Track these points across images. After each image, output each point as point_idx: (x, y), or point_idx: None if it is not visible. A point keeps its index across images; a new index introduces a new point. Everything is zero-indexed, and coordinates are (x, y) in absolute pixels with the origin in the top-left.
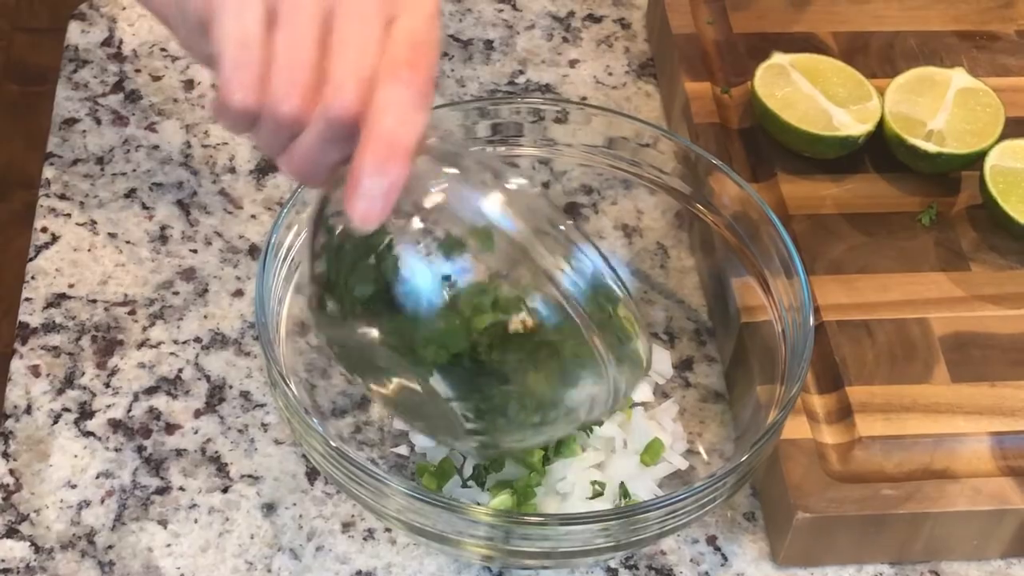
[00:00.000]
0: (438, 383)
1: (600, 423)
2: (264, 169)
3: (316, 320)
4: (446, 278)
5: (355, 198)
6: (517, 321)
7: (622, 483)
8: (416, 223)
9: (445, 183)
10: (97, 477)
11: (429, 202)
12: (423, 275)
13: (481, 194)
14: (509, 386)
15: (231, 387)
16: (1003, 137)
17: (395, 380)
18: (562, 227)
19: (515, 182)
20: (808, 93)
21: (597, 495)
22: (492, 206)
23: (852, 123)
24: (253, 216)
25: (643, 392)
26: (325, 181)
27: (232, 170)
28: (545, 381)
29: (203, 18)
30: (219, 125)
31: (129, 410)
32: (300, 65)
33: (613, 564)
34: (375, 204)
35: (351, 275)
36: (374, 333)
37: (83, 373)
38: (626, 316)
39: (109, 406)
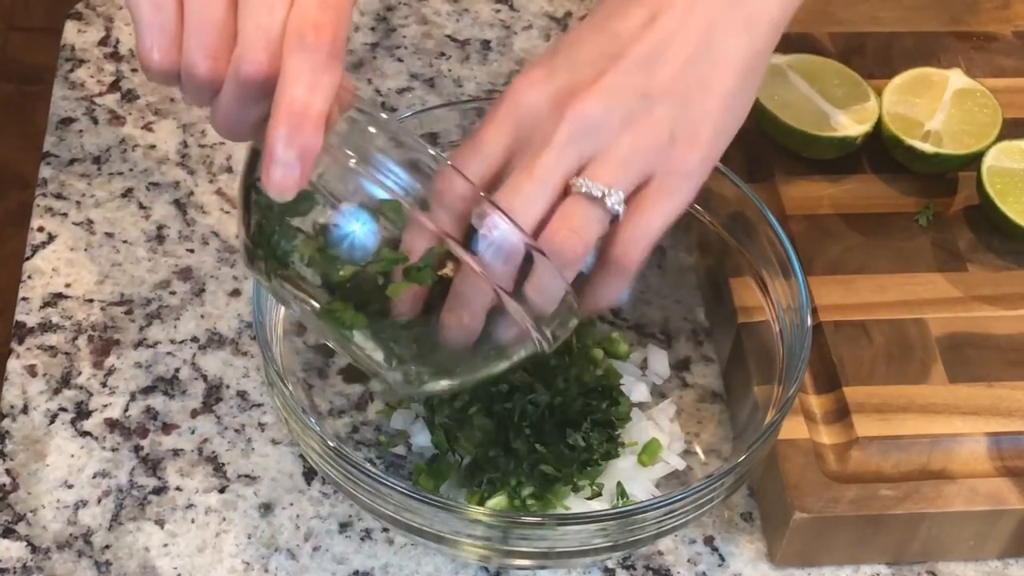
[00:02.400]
0: (359, 336)
1: (544, 351)
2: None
3: (250, 270)
4: (360, 238)
5: (270, 167)
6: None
7: (619, 483)
8: (336, 184)
9: (363, 144)
10: (94, 477)
11: (349, 164)
12: (343, 234)
13: (396, 155)
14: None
15: (228, 387)
16: (1000, 138)
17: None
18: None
19: (432, 151)
20: (805, 94)
21: (595, 495)
22: (404, 169)
23: (849, 124)
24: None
25: (640, 392)
26: (252, 136)
27: (229, 169)
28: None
29: None
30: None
31: (126, 410)
32: (209, 26)
33: (610, 564)
34: (290, 173)
35: (277, 234)
36: (297, 291)
37: (80, 373)
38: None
39: (106, 406)
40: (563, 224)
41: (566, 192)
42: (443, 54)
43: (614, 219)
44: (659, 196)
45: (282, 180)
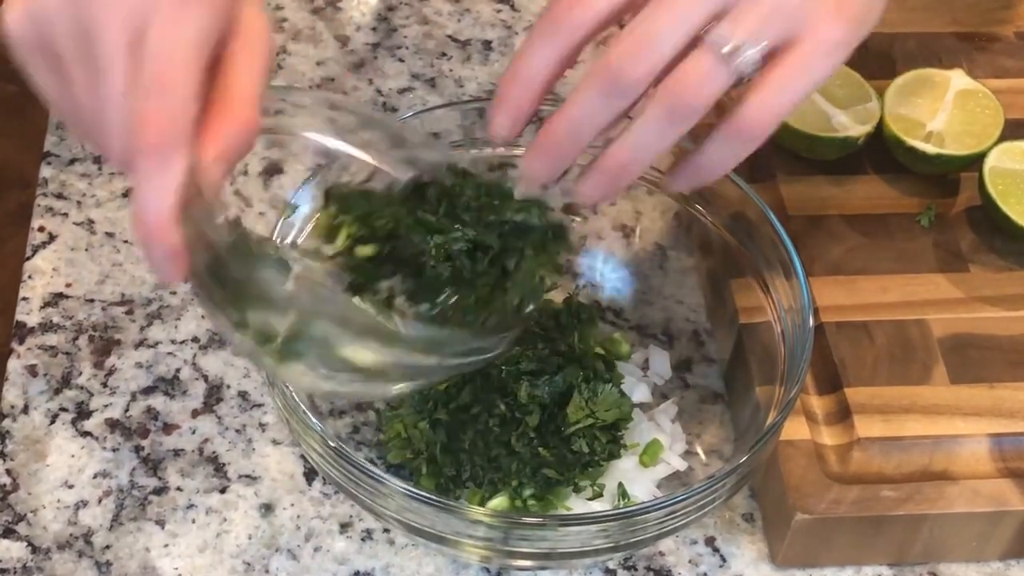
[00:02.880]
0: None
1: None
2: (248, 171)
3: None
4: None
5: (153, 269)
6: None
7: (621, 484)
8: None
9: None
10: (94, 477)
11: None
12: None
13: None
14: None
15: (229, 387)
16: (1002, 139)
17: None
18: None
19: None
20: None
21: (596, 496)
22: None
23: (851, 124)
24: (244, 216)
25: (642, 393)
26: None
27: None
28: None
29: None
30: None
31: (127, 410)
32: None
33: (612, 565)
34: (166, 273)
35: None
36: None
37: (80, 373)
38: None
39: (106, 406)
40: (685, 73)
41: (694, 42)
42: (444, 54)
43: (738, 82)
44: (797, 66)
45: (164, 277)
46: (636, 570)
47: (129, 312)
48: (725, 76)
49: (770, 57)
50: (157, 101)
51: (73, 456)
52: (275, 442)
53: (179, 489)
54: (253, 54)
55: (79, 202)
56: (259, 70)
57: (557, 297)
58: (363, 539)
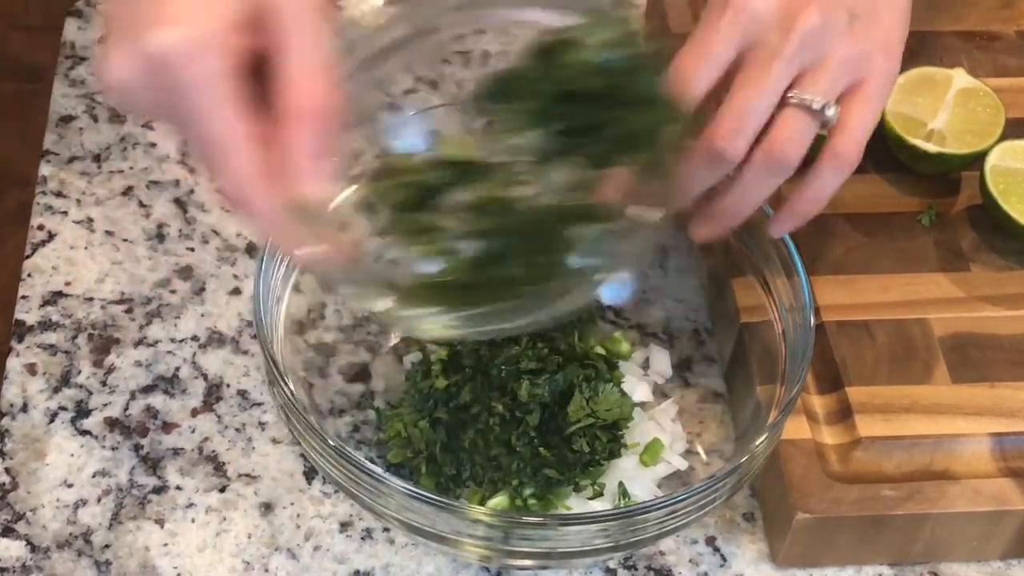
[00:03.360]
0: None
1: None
2: None
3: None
4: None
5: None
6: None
7: (621, 483)
8: None
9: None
10: (94, 476)
11: None
12: None
13: None
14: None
15: (228, 386)
16: (1003, 137)
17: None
18: None
19: None
20: None
21: (596, 495)
22: None
23: None
24: None
25: (642, 392)
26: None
27: None
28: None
29: None
30: None
31: (126, 409)
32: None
33: (612, 564)
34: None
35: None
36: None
37: (80, 371)
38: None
39: (106, 405)
40: (782, 133)
41: (782, 103)
42: (446, 60)
43: (823, 125)
44: (869, 98)
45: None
46: (636, 570)
47: (129, 311)
48: (815, 128)
49: (843, 98)
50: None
51: (72, 455)
52: (275, 441)
53: (179, 488)
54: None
55: (79, 200)
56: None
57: None
58: (363, 538)
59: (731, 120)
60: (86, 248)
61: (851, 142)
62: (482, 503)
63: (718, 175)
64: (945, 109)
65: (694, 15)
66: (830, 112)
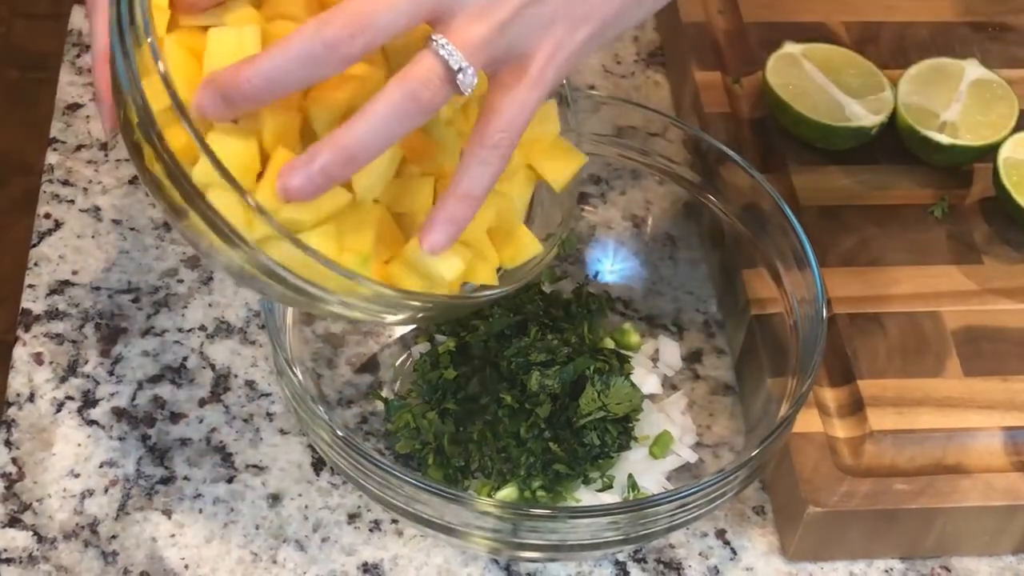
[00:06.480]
0: None
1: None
2: None
3: None
4: None
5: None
6: None
7: (631, 476)
8: None
9: None
10: (101, 466)
11: None
12: None
13: None
14: None
15: (236, 376)
16: (1017, 129)
17: None
18: None
19: None
20: (820, 84)
21: (606, 487)
22: None
23: (865, 114)
24: None
25: (652, 384)
26: None
27: None
28: None
29: None
30: None
31: (133, 399)
32: None
33: (621, 557)
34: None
35: None
36: None
37: (86, 361)
38: None
39: (113, 394)
40: (415, 71)
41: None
42: None
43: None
44: (532, 80)
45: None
46: (646, 563)
47: (136, 300)
48: (449, 89)
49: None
50: None
51: (79, 445)
52: (283, 432)
53: (186, 479)
54: None
55: (85, 189)
56: None
57: (567, 287)
58: (371, 530)
59: (344, 16)
60: (93, 237)
61: (497, 130)
62: (491, 495)
63: (319, 76)
64: (958, 100)
65: (704, 4)
66: (465, 79)
